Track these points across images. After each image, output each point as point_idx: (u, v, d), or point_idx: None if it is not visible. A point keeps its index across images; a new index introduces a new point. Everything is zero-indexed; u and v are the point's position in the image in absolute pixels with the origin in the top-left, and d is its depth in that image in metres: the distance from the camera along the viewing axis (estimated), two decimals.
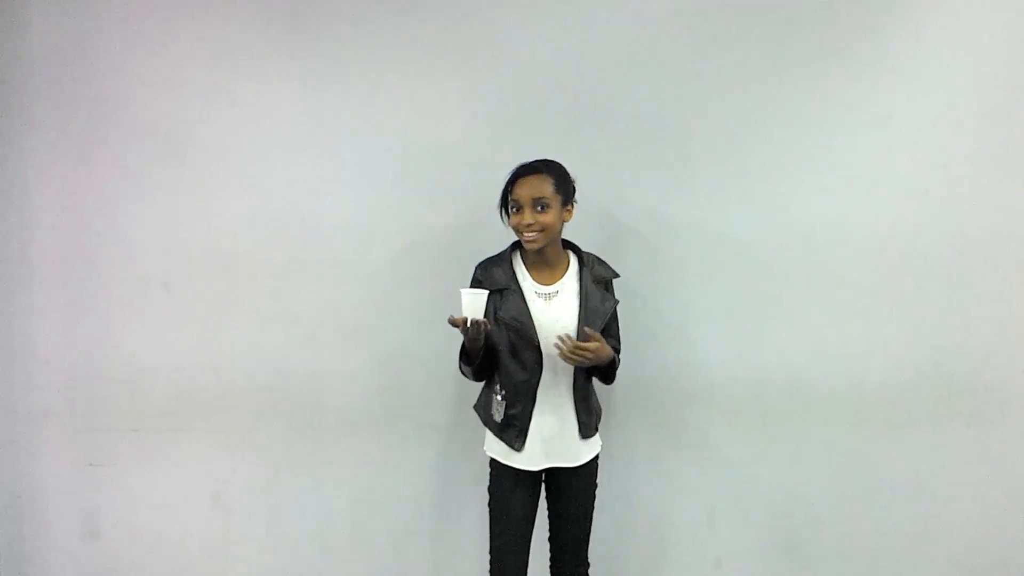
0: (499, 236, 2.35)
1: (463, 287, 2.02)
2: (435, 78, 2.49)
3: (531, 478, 2.14)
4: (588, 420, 2.14)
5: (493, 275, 2.11)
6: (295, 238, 2.50)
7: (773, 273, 2.48)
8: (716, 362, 2.52)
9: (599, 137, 2.45)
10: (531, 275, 2.12)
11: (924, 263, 2.46)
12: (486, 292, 1.94)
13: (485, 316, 1.94)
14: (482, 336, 1.95)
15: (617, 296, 2.20)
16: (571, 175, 2.11)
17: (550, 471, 2.15)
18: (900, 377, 2.49)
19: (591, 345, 1.96)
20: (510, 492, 2.13)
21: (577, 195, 2.14)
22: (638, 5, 2.45)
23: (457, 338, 2.04)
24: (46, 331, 2.55)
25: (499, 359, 2.10)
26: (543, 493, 2.21)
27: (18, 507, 2.61)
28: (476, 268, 2.16)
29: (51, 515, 2.60)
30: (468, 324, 1.92)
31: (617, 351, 2.17)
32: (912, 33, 2.41)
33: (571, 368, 2.08)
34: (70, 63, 2.50)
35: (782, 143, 2.45)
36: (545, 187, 2.02)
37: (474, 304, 1.92)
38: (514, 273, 2.11)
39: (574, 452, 2.12)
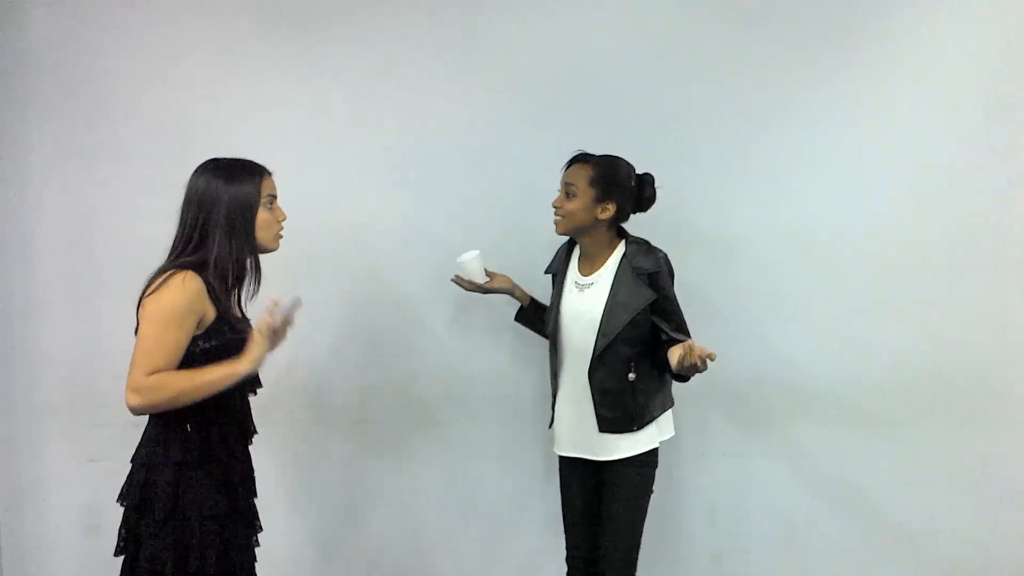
0: (496, 233, 2.35)
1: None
2: (436, 77, 2.49)
3: (584, 467, 2.11)
4: (611, 415, 2.02)
5: (554, 259, 2.21)
6: (294, 235, 2.48)
7: (773, 270, 2.48)
8: (716, 359, 2.52)
9: (600, 135, 2.41)
10: (577, 265, 2.14)
11: (924, 261, 2.46)
12: (475, 253, 2.13)
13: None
14: (491, 292, 2.21)
15: None
16: (627, 178, 2.05)
17: (600, 464, 2.08)
18: (899, 375, 2.49)
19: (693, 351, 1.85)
20: (563, 477, 2.18)
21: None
22: (640, 4, 2.45)
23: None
24: (47, 326, 2.56)
25: None
26: None
27: (19, 502, 2.62)
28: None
29: (52, 510, 2.61)
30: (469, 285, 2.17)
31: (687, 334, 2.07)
32: (914, 32, 2.41)
33: (586, 360, 2.03)
34: (71, 60, 2.50)
35: (783, 142, 2.46)
36: (579, 176, 2.02)
37: (466, 268, 2.17)
38: (568, 260, 2.15)
39: (597, 445, 2.06)
